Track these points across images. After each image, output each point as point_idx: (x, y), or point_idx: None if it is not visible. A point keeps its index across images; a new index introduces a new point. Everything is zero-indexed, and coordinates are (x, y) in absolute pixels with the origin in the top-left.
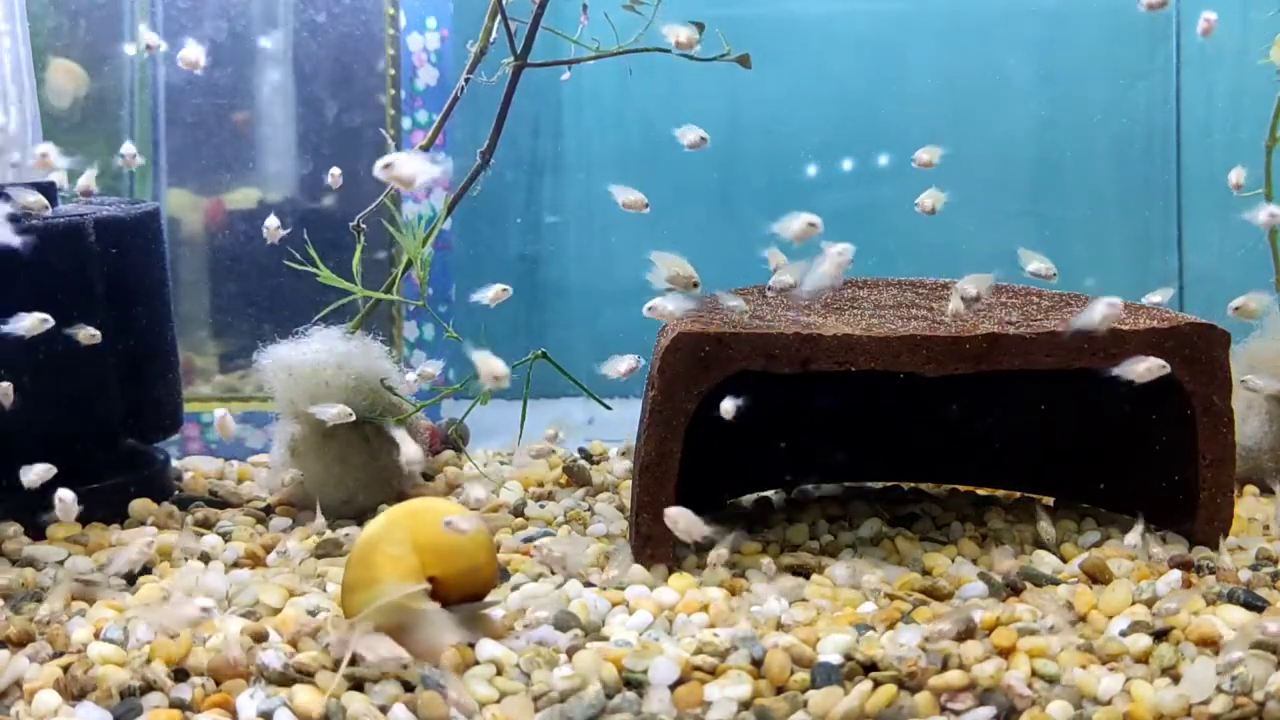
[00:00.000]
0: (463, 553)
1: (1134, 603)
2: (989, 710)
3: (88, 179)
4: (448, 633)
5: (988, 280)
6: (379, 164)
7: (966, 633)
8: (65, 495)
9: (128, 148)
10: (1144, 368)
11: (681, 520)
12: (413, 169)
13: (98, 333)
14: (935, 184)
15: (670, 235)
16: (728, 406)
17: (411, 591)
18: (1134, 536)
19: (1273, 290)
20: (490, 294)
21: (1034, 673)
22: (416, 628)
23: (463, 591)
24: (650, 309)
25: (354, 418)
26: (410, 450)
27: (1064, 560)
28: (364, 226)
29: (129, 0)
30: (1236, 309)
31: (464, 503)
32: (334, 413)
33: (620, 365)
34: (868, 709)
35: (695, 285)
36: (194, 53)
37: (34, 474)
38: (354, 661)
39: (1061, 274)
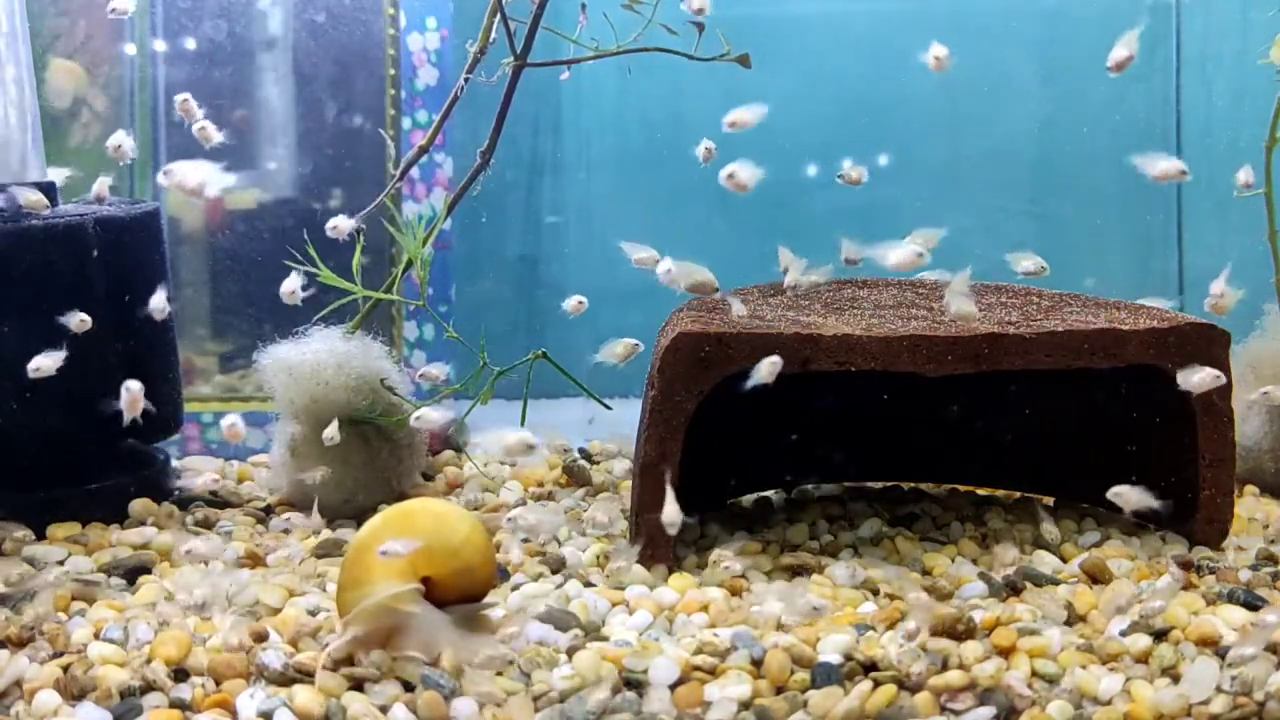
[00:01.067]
0: (456, 554)
1: (1134, 603)
2: (989, 710)
3: (101, 186)
4: (442, 633)
5: (965, 278)
6: (162, 172)
7: (953, 630)
8: (133, 384)
9: (116, 138)
10: (1199, 379)
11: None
12: (199, 177)
13: (88, 318)
14: (937, 184)
15: (670, 235)
16: (765, 370)
17: (400, 592)
18: (1126, 493)
19: (1273, 290)
20: (571, 304)
21: (1034, 673)
22: (410, 629)
23: (459, 593)
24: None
25: (337, 441)
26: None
27: (1064, 560)
28: (364, 226)
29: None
30: (1215, 303)
31: (463, 502)
32: (328, 434)
33: (617, 349)
34: (868, 709)
35: (715, 290)
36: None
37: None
38: (351, 661)
39: (1061, 274)
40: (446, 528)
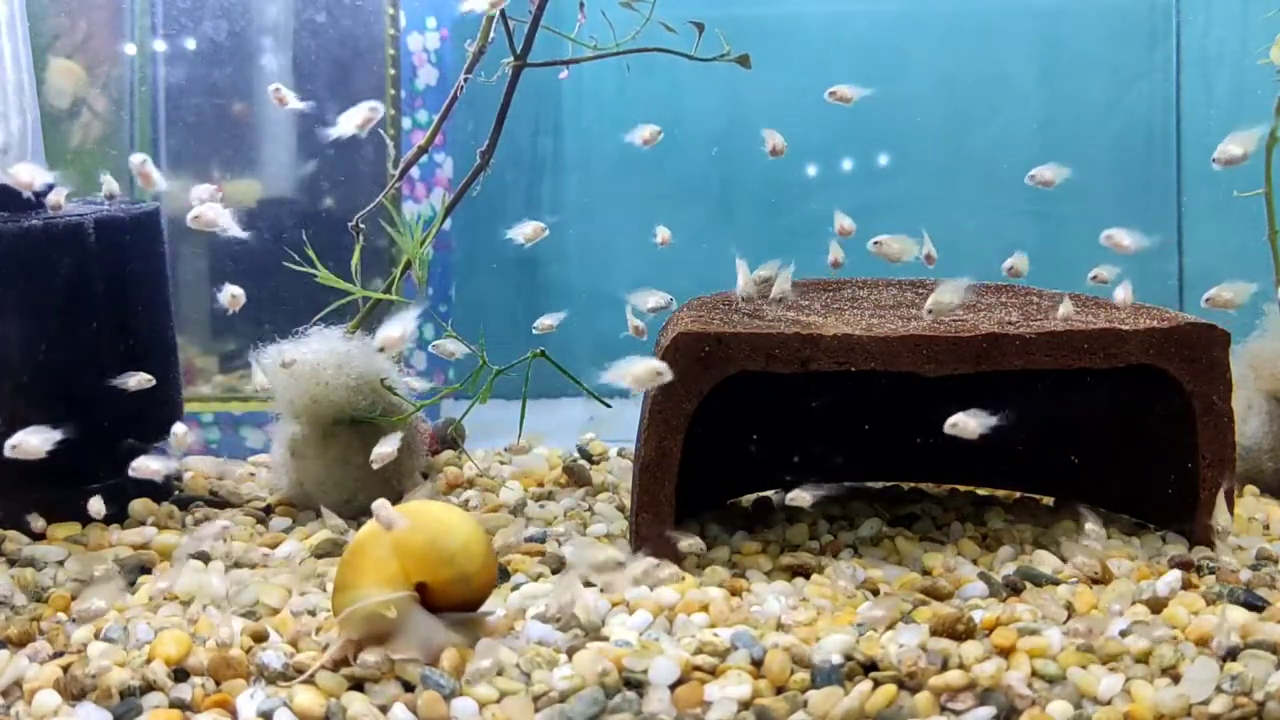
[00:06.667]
0: (452, 561)
1: (1134, 603)
2: (989, 710)
3: (111, 184)
4: (437, 638)
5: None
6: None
7: (953, 630)
8: (179, 429)
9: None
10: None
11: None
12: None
13: (240, 292)
14: (936, 184)
15: (670, 235)
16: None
17: (389, 599)
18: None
19: (1273, 290)
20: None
21: (1034, 673)
22: (404, 633)
23: (455, 600)
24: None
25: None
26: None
27: (1064, 560)
28: (363, 226)
29: (129, 0)
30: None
31: (460, 502)
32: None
33: (649, 300)
34: (868, 709)
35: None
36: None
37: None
38: (345, 663)
39: (1061, 274)
40: (444, 533)
